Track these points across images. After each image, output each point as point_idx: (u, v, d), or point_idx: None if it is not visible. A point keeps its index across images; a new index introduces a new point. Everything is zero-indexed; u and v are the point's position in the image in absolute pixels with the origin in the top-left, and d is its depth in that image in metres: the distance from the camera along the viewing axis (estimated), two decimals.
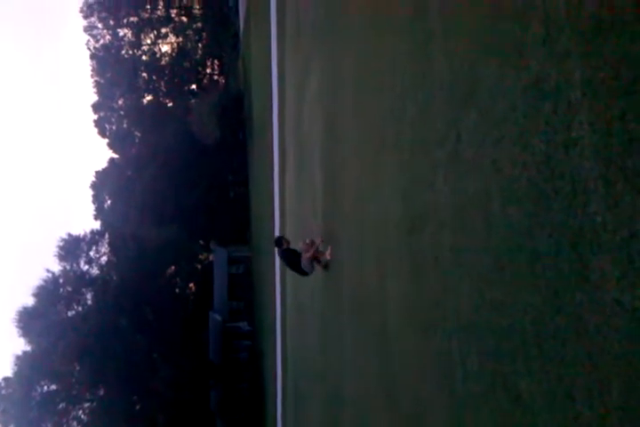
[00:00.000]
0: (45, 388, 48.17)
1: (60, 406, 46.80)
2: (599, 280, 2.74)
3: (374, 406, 7.62)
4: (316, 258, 11.78)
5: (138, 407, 45.78)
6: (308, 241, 11.96)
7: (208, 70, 65.08)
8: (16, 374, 46.74)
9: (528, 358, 3.37)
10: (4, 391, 46.69)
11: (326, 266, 11.62)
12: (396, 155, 6.67)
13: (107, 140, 65.41)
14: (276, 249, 13.34)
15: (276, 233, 27.19)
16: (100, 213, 61.53)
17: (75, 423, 47.25)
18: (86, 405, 47.11)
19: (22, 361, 46.78)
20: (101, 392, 46.36)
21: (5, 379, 47.39)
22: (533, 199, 3.36)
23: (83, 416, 47.26)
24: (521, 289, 3.49)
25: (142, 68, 62.64)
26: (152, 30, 62.59)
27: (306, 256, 11.68)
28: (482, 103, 4.17)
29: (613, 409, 2.62)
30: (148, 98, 63.46)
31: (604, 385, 2.68)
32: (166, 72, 62.94)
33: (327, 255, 11.44)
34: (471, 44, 4.43)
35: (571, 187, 2.99)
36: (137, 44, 62.86)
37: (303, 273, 12.41)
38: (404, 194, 6.27)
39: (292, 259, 12.30)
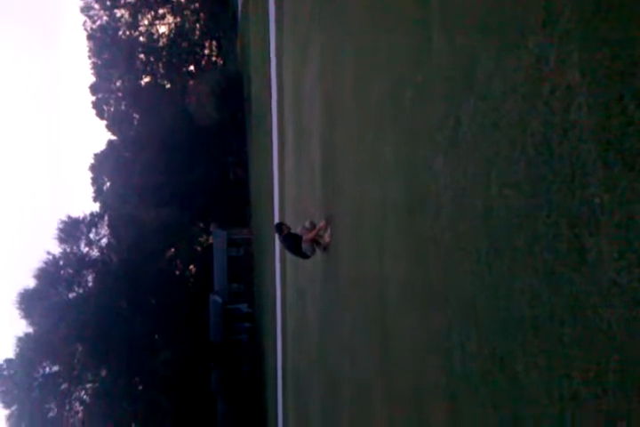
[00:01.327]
0: (47, 369, 48.57)
1: (62, 386, 47.27)
2: (597, 261, 2.76)
3: (373, 388, 7.70)
4: (316, 241, 11.79)
5: (140, 388, 46.23)
6: (308, 224, 11.95)
7: (206, 51, 64.64)
8: (18, 355, 47.13)
9: (525, 339, 3.40)
10: (6, 373, 47.08)
11: (325, 248, 11.62)
12: (395, 137, 6.65)
13: (105, 122, 65.19)
14: (277, 235, 13.27)
15: (276, 215, 27.21)
16: (99, 195, 61.58)
17: (77, 404, 47.75)
18: (88, 386, 47.57)
19: (24, 343, 47.14)
20: (103, 373, 46.78)
21: (7, 360, 47.77)
22: (532, 181, 3.37)
23: (85, 397, 47.75)
24: (519, 270, 3.51)
25: (140, 49, 62.22)
26: (149, 11, 62.03)
27: (307, 238, 11.68)
28: (481, 85, 4.16)
29: (610, 389, 2.66)
30: (146, 79, 63.14)
31: (601, 366, 2.71)
32: (164, 53, 62.52)
33: (326, 238, 11.44)
34: (470, 25, 4.41)
35: (569, 169, 2.99)
36: (134, 24, 62.37)
37: (304, 257, 12.42)
38: (404, 176, 6.27)
39: (292, 243, 12.26)
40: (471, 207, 4.30)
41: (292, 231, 12.63)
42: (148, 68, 62.81)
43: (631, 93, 2.57)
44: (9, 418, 46.78)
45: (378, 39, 7.51)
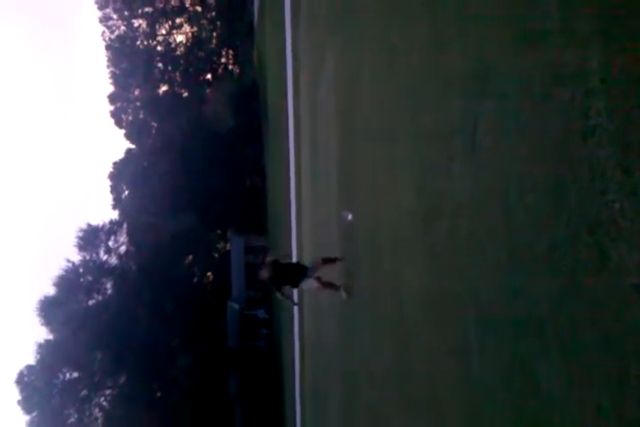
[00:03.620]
0: (67, 375, 48.85)
1: (82, 393, 47.55)
2: (617, 267, 2.75)
3: (390, 392, 7.68)
4: (325, 284, 10.59)
5: (158, 395, 46.40)
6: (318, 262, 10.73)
7: (223, 60, 65.10)
8: (39, 362, 47.50)
9: (546, 346, 3.39)
10: (27, 379, 47.45)
11: (346, 291, 10.42)
12: (412, 143, 6.66)
13: (124, 131, 65.82)
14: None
15: (293, 222, 27.16)
16: (117, 203, 62.06)
17: (96, 410, 48.02)
18: (107, 392, 47.81)
19: (44, 349, 47.54)
20: (122, 380, 47.00)
21: (28, 367, 48.17)
22: (551, 187, 3.36)
23: (104, 403, 48.01)
24: (538, 276, 3.50)
25: (157, 58, 62.81)
26: (167, 20, 62.64)
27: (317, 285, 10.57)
28: (498, 91, 4.16)
29: (631, 395, 2.64)
30: (164, 88, 63.66)
31: (623, 372, 2.69)
32: (181, 62, 63.05)
33: (343, 294, 10.36)
34: (487, 29, 4.42)
35: (588, 174, 2.99)
36: (152, 34, 62.99)
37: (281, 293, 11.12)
38: (420, 183, 6.27)
39: (288, 275, 10.67)
40: (490, 214, 4.30)
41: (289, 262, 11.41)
42: (166, 77, 63.37)
43: None
44: (30, 424, 47.15)
45: (394, 45, 7.53)
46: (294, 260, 12.04)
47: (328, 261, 10.70)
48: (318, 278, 10.60)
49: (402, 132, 7.12)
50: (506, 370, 3.96)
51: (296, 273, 10.61)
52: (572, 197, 3.12)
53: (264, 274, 10.66)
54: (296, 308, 26.88)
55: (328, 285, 10.65)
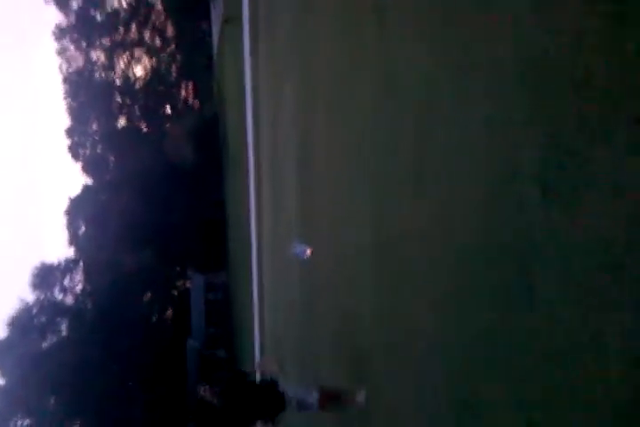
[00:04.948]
0: (19, 423, 47.20)
1: None
2: None
3: None
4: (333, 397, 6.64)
5: None
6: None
7: (182, 93, 64.62)
8: None
9: None
10: None
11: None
12: (366, 180, 6.12)
13: (81, 165, 64.36)
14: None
15: (254, 257, 26.43)
16: (74, 240, 60.26)
17: None
18: None
19: None
20: (77, 426, 45.15)
21: None
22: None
23: None
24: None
25: (116, 91, 62.00)
26: (125, 52, 62.06)
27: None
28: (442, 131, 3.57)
29: None
30: (122, 122, 62.73)
31: None
32: (140, 95, 62.34)
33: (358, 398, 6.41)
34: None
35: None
36: (110, 66, 62.26)
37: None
38: (374, 219, 5.73)
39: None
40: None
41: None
42: (125, 111, 62.41)
43: None
44: None
45: (347, 81, 7.09)
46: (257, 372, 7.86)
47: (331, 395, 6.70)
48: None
49: (359, 167, 6.55)
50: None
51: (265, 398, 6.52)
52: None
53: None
54: (257, 347, 25.96)
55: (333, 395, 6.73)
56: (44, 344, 48.73)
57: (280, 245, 15.70)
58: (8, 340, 48.46)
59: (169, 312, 55.14)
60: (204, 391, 39.38)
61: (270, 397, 6.40)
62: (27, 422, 46.81)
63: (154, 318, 52.37)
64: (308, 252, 10.08)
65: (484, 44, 3.37)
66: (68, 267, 51.99)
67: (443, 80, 4.07)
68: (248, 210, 28.18)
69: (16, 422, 46.58)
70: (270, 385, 6.57)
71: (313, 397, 6.40)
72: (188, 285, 53.59)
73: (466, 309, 3.68)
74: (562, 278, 2.56)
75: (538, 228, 2.76)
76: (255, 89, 25.12)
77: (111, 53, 60.85)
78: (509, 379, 3.07)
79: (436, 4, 4.32)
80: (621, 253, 2.18)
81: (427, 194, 4.44)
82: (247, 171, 28.30)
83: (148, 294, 52.10)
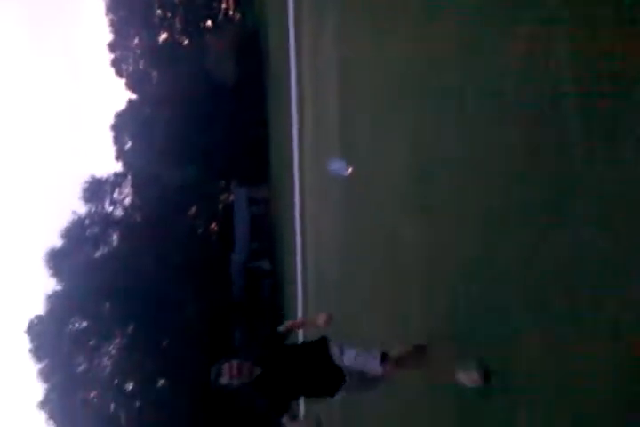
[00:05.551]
0: (76, 325, 49.46)
1: (91, 342, 48.37)
2: None
3: None
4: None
5: (165, 344, 47.21)
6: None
7: (223, 5, 63.24)
8: (48, 312, 48.16)
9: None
10: (37, 328, 48.25)
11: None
12: (410, 105, 6.41)
13: (124, 80, 64.64)
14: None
15: (296, 174, 26.85)
16: (121, 155, 61.55)
17: (105, 359, 48.98)
18: (116, 341, 48.65)
19: (53, 300, 48.11)
20: (130, 329, 47.70)
21: (38, 317, 48.89)
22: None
23: (113, 352, 48.91)
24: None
25: (156, 4, 61.05)
26: None
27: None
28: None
29: None
30: (164, 36, 62.11)
31: None
32: (180, 8, 61.32)
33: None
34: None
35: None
36: None
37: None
38: (414, 146, 6.07)
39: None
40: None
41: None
42: (165, 24, 61.66)
43: None
44: (40, 372, 48.22)
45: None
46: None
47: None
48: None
49: (402, 92, 6.85)
50: None
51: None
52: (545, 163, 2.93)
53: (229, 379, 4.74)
54: (299, 258, 26.95)
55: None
56: (97, 254, 50.83)
57: (321, 161, 16.08)
58: (63, 249, 50.35)
59: (213, 226, 56.78)
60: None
61: (320, 364, 4.78)
62: (84, 324, 49.36)
63: (199, 231, 54.02)
64: (349, 170, 10.42)
65: None
66: (116, 181, 53.35)
67: None
68: (290, 126, 28.34)
69: (74, 323, 49.13)
70: (319, 346, 4.89)
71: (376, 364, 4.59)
72: (231, 199, 54.82)
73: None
74: None
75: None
76: (298, 2, 24.64)
77: None
78: None
79: None
80: None
81: (468, 123, 4.73)
82: (289, 87, 28.24)
83: (194, 208, 53.53)
